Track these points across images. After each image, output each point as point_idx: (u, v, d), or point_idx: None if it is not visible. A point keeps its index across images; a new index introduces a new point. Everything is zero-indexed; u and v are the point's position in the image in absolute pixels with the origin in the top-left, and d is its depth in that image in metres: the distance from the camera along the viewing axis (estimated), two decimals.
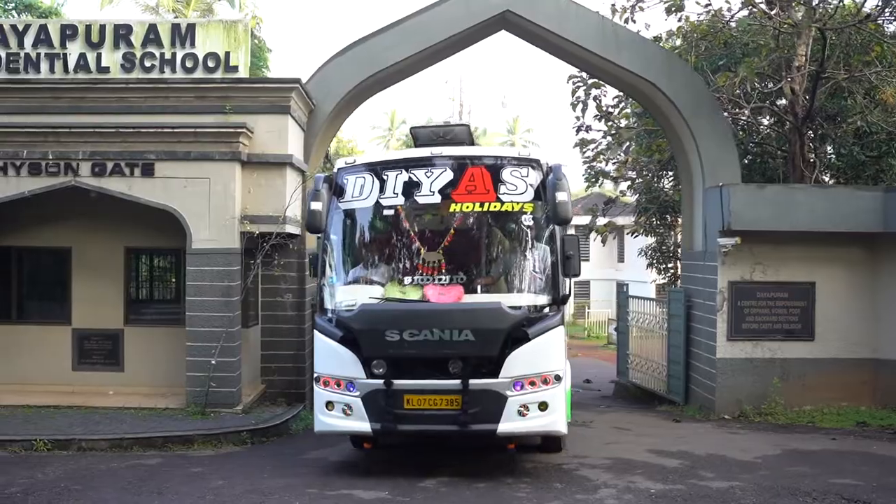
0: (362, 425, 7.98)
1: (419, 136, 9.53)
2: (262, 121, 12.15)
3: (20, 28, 12.32)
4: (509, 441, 8.25)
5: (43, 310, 13.51)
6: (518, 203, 8.12)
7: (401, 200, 8.30)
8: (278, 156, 12.20)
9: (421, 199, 8.27)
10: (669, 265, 20.66)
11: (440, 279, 8.01)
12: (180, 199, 11.78)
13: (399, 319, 7.70)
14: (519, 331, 7.71)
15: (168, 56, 12.20)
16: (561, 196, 7.69)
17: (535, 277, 8.11)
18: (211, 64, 12.16)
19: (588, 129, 17.36)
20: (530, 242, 8.17)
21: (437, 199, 8.24)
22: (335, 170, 8.80)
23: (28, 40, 12.20)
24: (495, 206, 8.15)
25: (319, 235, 8.54)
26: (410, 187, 8.30)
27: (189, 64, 12.18)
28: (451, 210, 8.20)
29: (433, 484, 8.03)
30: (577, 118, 17.28)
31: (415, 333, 7.53)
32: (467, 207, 8.16)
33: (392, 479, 8.19)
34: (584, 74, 16.29)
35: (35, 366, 13.13)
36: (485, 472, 8.46)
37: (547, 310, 8.04)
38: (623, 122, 17.70)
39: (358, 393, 7.92)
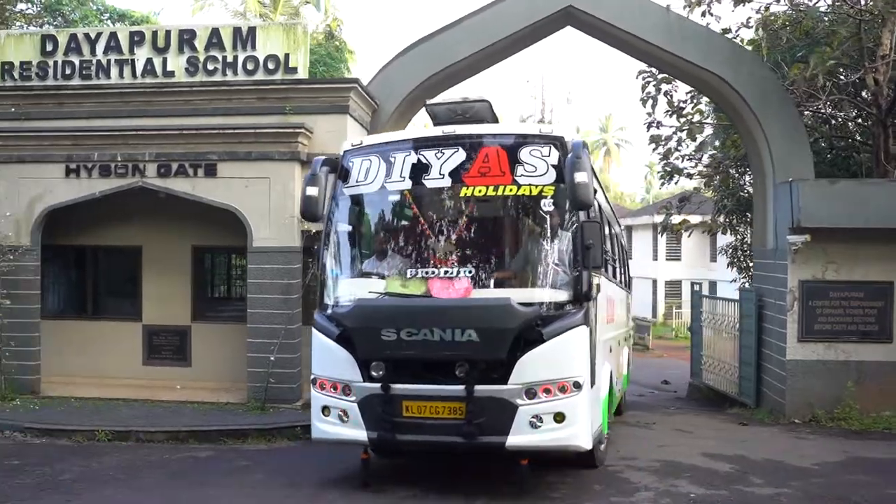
0: (358, 434, 7.24)
1: (437, 114, 8.36)
2: (321, 121, 12.32)
3: (92, 36, 12.85)
4: (521, 456, 7.22)
5: (115, 306, 14.06)
6: (537, 186, 7.15)
7: (408, 185, 7.48)
8: (338, 155, 12.33)
9: (429, 183, 7.42)
10: (750, 264, 19.96)
11: (447, 272, 7.11)
12: (241, 198, 12.07)
13: (396, 317, 6.95)
14: (532, 331, 6.81)
15: (230, 59, 12.51)
16: (580, 177, 6.62)
17: (554, 270, 7.07)
18: (271, 66, 12.41)
19: (659, 125, 16.91)
20: (550, 231, 7.17)
21: (447, 182, 7.36)
22: (341, 152, 8.07)
23: (99, 48, 12.72)
24: (511, 190, 7.22)
25: (319, 226, 8.08)
26: (419, 170, 7.46)
27: (250, 66, 12.45)
28: (462, 194, 7.31)
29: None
30: (648, 114, 16.86)
31: (413, 332, 6.78)
32: (480, 191, 7.28)
33: (425, 479, 8.12)
34: (653, 70, 15.88)
35: (108, 360, 13.66)
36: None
37: (568, 307, 7.00)
38: (697, 117, 17.15)
39: (354, 398, 7.21)
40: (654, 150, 17.08)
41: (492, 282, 7.13)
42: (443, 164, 7.38)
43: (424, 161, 7.46)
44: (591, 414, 7.16)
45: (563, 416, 6.85)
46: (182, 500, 7.55)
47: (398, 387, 7.00)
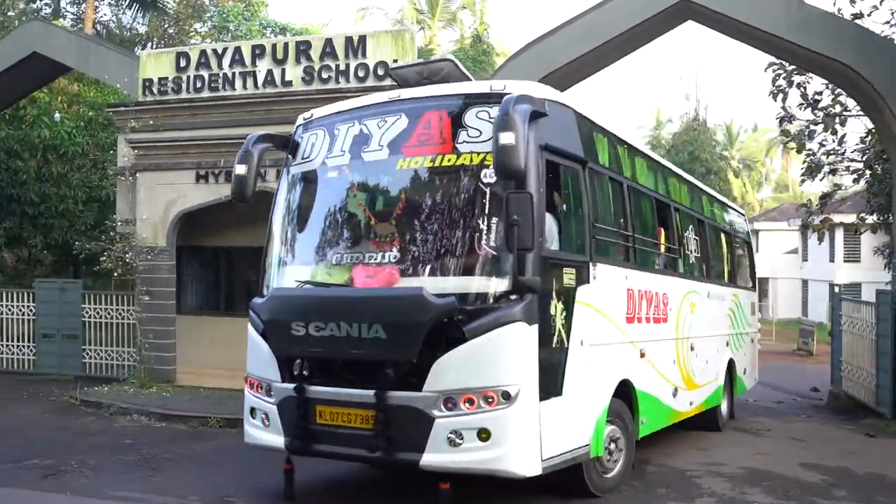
0: (277, 440, 6.43)
1: (405, 79, 7.19)
2: None
3: (219, 51, 13.81)
4: (441, 478, 5.98)
5: (244, 303, 14.89)
6: (479, 154, 5.96)
7: (345, 160, 6.58)
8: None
9: (367, 157, 6.44)
10: None
11: (372, 258, 6.14)
12: None
13: (304, 310, 6.06)
14: (453, 327, 5.59)
15: (342, 67, 13.07)
16: (504, 137, 5.33)
17: (492, 255, 5.76)
18: (380, 72, 12.86)
19: (791, 119, 16.05)
20: (489, 207, 5.88)
21: (384, 154, 6.35)
22: (294, 128, 7.33)
23: (226, 61, 13.65)
24: (450, 160, 6.06)
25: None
26: (360, 143, 6.53)
27: (361, 73, 12.96)
28: (399, 167, 6.29)
29: None
30: (785, 109, 16.06)
31: (321, 327, 5.83)
32: (417, 163, 6.22)
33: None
34: (783, 62, 15.13)
35: (239, 354, 14.49)
36: None
37: (507, 300, 5.69)
38: (838, 108, 16.15)
39: (274, 399, 6.43)
40: (785, 144, 16.24)
41: (423, 269, 6.02)
42: (383, 135, 6.39)
43: (366, 132, 6.50)
44: (534, 432, 5.72)
45: (489, 433, 5.57)
46: (260, 479, 7.88)
47: (313, 389, 6.15)
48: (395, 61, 12.81)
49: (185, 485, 7.62)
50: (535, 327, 5.74)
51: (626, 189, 7.57)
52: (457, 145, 6.08)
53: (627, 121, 70.23)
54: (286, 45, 13.44)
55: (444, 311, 5.53)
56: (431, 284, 5.73)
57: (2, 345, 15.64)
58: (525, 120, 5.48)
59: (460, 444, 5.59)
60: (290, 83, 13.36)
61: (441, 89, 6.61)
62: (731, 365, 11.05)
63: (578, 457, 6.39)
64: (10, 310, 15.55)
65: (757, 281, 13.46)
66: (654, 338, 8.02)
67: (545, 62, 13.74)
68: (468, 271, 5.86)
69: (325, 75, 13.18)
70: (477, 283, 5.79)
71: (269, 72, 13.43)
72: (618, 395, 7.08)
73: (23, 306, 15.45)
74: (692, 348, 9.19)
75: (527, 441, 5.67)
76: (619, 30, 13.50)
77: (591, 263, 6.54)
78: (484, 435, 5.57)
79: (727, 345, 10.79)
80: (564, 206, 6.44)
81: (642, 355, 7.70)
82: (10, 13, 24.96)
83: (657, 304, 8.08)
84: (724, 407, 10.98)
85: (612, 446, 7.07)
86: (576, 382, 6.25)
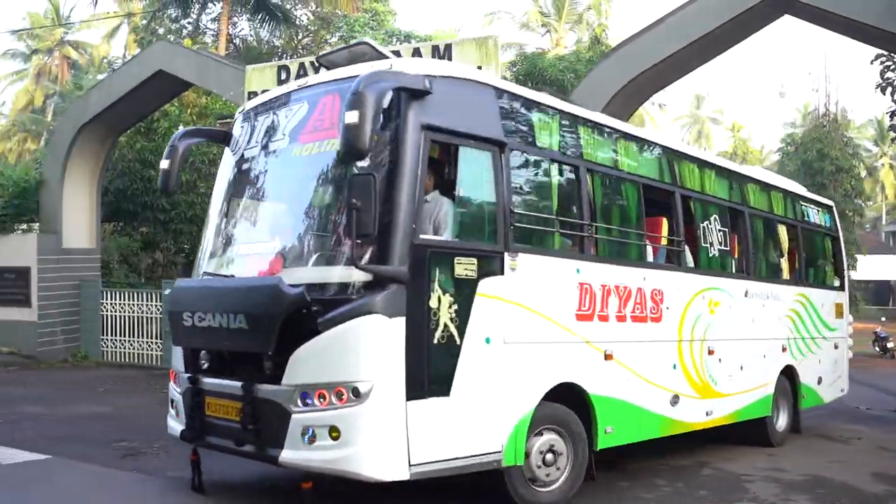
0: (179, 429, 6.32)
1: (334, 65, 6.65)
2: None
3: (316, 63, 14.50)
4: (304, 478, 5.68)
5: None
6: None
7: (257, 150, 6.41)
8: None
9: (273, 146, 6.28)
10: None
11: (258, 248, 6.13)
12: None
13: (192, 300, 5.96)
14: (308, 319, 5.29)
15: None
16: (349, 116, 4.98)
17: (351, 243, 5.32)
18: None
19: None
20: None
21: (285, 143, 6.16)
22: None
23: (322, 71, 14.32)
24: (332, 145, 5.75)
25: None
26: (270, 133, 6.34)
27: None
28: (294, 156, 6.10)
29: None
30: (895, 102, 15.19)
31: (202, 318, 5.69)
32: (307, 150, 5.99)
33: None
34: (893, 54, 14.35)
35: None
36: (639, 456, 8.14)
37: (367, 290, 5.25)
38: None
39: (180, 389, 6.33)
40: (893, 140, 15.39)
41: (298, 258, 5.87)
42: (287, 123, 6.21)
43: (276, 122, 6.32)
44: (394, 433, 5.21)
45: (339, 431, 5.19)
46: None
47: (203, 380, 6.02)
48: (480, 68, 13.15)
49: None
50: (400, 320, 5.23)
51: (585, 173, 6.80)
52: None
53: (775, 119, 67.27)
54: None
55: (294, 302, 5.21)
56: (302, 274, 5.54)
57: (137, 341, 16.87)
58: (376, 98, 5.09)
59: (314, 441, 5.25)
60: None
61: (335, 73, 6.20)
62: (790, 373, 9.89)
63: (481, 464, 5.68)
64: (143, 308, 16.81)
65: (847, 280, 11.95)
66: (631, 338, 7.17)
67: (635, 63, 13.69)
68: (332, 261, 5.59)
69: None
70: (339, 273, 5.44)
71: None
72: (557, 399, 6.31)
73: (152, 305, 16.70)
74: (710, 352, 8.23)
75: (383, 443, 5.17)
76: (709, 28, 13.26)
77: (506, 254, 5.89)
78: (335, 433, 5.18)
79: (784, 350, 9.70)
80: (463, 190, 5.91)
81: (608, 357, 6.85)
82: (159, 30, 27.06)
83: (639, 301, 7.25)
84: (780, 420, 9.83)
85: (549, 457, 6.21)
86: (475, 383, 5.66)
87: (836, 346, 11.13)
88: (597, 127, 7.26)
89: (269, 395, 5.44)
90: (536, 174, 6.53)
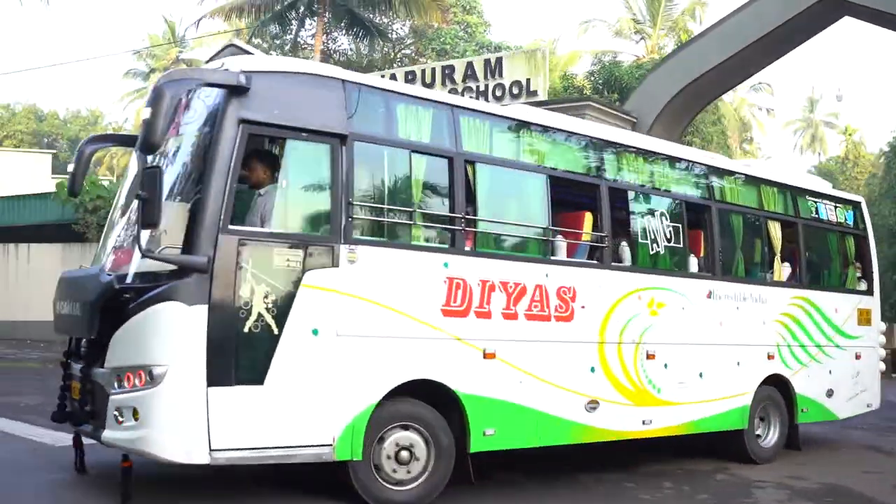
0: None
1: None
2: None
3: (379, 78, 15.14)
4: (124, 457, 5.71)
5: None
6: (191, 134, 6.03)
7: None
8: None
9: (136, 144, 6.23)
10: None
11: (121, 240, 6.26)
12: None
13: (60, 290, 6.25)
14: (122, 305, 5.51)
15: (482, 87, 13.89)
16: (145, 113, 5.23)
17: (162, 233, 5.59)
18: (515, 91, 13.56)
19: None
20: (187, 184, 5.89)
21: (161, 138, 5.89)
22: None
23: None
24: (175, 141, 6.06)
25: None
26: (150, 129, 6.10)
27: (498, 93, 13.74)
28: (160, 152, 6.03)
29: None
30: None
31: (62, 306, 6.04)
32: (167, 145, 6.08)
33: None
34: None
35: None
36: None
37: (180, 277, 5.38)
38: None
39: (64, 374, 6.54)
40: None
41: (135, 249, 5.76)
42: (178, 118, 6.22)
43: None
44: (193, 418, 5.31)
45: (138, 412, 5.33)
46: None
47: (72, 364, 6.21)
48: (528, 80, 13.51)
49: None
50: (201, 308, 5.33)
51: (462, 165, 6.57)
52: (181, 127, 6.00)
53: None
54: (433, 69, 14.51)
55: (105, 290, 5.46)
56: (134, 265, 5.68)
57: None
58: (171, 96, 5.30)
59: (121, 422, 5.40)
60: None
61: (181, 72, 6.21)
62: (781, 383, 8.97)
63: (307, 456, 5.72)
64: None
65: (876, 284, 10.57)
66: (525, 338, 6.81)
67: (686, 71, 13.66)
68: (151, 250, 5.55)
69: (467, 96, 14.09)
70: (148, 263, 5.53)
71: None
72: (418, 396, 6.20)
73: None
74: (650, 356, 7.71)
75: (179, 426, 5.31)
76: (761, 33, 13.09)
77: (341, 245, 5.79)
78: (136, 415, 5.32)
79: (770, 358, 8.81)
80: (293, 183, 6.04)
81: (489, 356, 6.54)
82: (263, 44, 28.34)
83: (538, 298, 6.88)
84: (770, 433, 8.95)
85: (405, 455, 6.06)
86: (297, 374, 5.66)
87: (857, 357, 9.88)
88: (482, 116, 6.86)
89: (97, 377, 5.62)
90: (393, 166, 6.33)
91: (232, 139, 5.52)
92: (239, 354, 5.45)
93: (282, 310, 5.55)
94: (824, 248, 9.94)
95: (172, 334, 5.33)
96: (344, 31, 26.40)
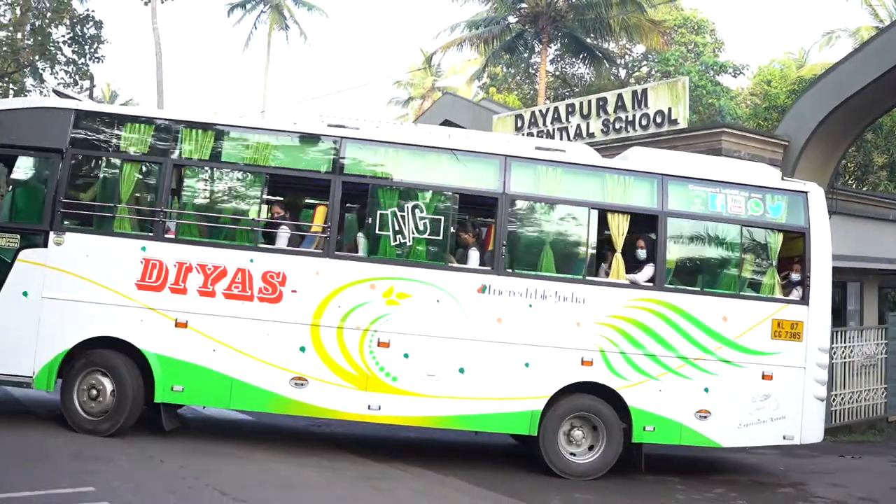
0: None
1: None
2: None
3: (543, 111, 16.04)
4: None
5: None
6: None
7: None
8: None
9: None
10: None
11: None
12: None
13: None
14: None
15: (630, 118, 14.32)
16: None
17: None
18: (658, 120, 13.89)
19: None
20: None
21: None
22: None
23: (548, 119, 15.88)
24: None
25: None
26: None
27: (644, 122, 14.19)
28: None
29: None
30: None
31: None
32: None
33: None
34: None
35: None
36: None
37: None
38: None
39: None
40: None
41: None
42: None
43: None
44: None
45: None
46: None
47: None
48: (670, 109, 13.90)
49: None
50: None
51: (168, 168, 7.86)
52: None
53: None
54: (589, 101, 15.18)
55: None
56: None
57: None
58: None
59: None
60: (592, 135, 14.94)
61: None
62: (609, 395, 7.95)
63: (13, 381, 7.75)
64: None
65: (815, 291, 8.19)
66: (222, 313, 7.74)
67: (834, 93, 13.15)
68: None
69: (617, 126, 14.65)
70: None
71: (578, 126, 15.28)
72: (112, 348, 7.68)
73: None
74: (383, 344, 7.80)
75: None
76: None
77: (51, 232, 7.69)
78: None
79: (587, 364, 7.88)
80: (20, 185, 8.06)
81: (180, 325, 7.73)
82: (497, 71, 30.29)
83: (240, 280, 7.77)
84: (590, 449, 8.00)
85: (94, 393, 7.66)
86: (9, 323, 7.61)
87: (765, 377, 8.07)
88: (192, 127, 8.00)
89: None
90: (104, 171, 7.99)
91: None
92: None
93: (2, 276, 7.65)
94: (715, 246, 8.38)
95: None
96: (572, 57, 27.36)
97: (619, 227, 8.07)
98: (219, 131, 8.06)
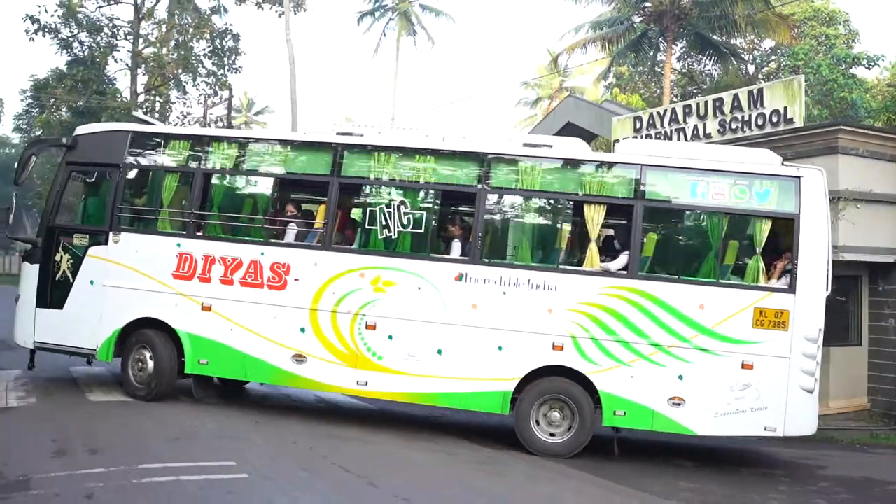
0: None
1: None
2: (816, 162, 13.21)
3: (661, 112, 16.05)
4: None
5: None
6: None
7: None
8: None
9: None
10: None
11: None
12: None
13: None
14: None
15: (746, 118, 14.34)
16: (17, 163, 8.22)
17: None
18: (774, 119, 13.79)
19: None
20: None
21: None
22: None
23: (665, 120, 15.81)
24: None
25: None
26: None
27: (760, 122, 14.19)
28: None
29: None
30: None
31: None
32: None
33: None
34: None
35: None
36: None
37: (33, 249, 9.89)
38: None
39: None
40: None
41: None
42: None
43: None
44: (29, 323, 9.76)
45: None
46: None
47: None
48: (786, 108, 13.96)
49: None
50: (36, 266, 9.70)
51: (200, 177, 9.39)
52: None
53: None
54: (706, 102, 15.27)
55: None
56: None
57: None
58: (28, 155, 10.02)
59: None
60: (709, 135, 14.87)
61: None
62: (579, 378, 8.28)
63: (82, 353, 9.63)
64: None
65: (804, 279, 7.97)
66: (238, 298, 9.10)
67: None
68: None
69: (733, 126, 14.63)
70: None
71: (695, 126, 15.32)
72: (152, 327, 9.31)
73: None
74: (370, 327, 8.67)
75: (23, 326, 9.73)
76: None
77: (111, 232, 9.46)
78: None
79: (558, 349, 8.27)
80: (90, 194, 9.98)
81: (206, 308, 9.21)
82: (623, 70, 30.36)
83: (253, 270, 9.10)
84: (562, 431, 8.41)
85: (140, 364, 9.39)
86: (81, 305, 9.47)
87: (745, 366, 7.95)
88: (218, 140, 9.58)
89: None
90: (151, 181, 9.61)
91: (65, 175, 9.94)
92: (52, 292, 9.61)
93: (75, 268, 9.57)
94: (694, 234, 8.49)
95: (24, 278, 9.85)
96: (698, 54, 27.12)
97: (595, 218, 8.38)
98: (241, 143, 9.55)
